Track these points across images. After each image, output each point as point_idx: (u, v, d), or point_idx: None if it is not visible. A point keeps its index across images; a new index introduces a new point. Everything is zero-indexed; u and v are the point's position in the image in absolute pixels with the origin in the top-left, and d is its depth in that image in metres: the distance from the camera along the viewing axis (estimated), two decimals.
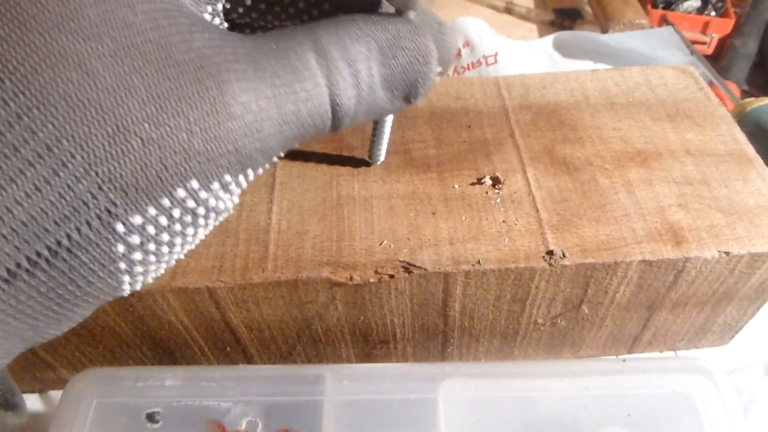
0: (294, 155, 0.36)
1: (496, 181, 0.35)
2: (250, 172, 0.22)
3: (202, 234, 0.22)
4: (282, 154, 0.25)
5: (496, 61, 0.66)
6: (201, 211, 0.21)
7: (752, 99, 0.54)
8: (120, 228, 0.18)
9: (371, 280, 0.31)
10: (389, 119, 0.33)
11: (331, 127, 0.24)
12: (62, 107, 0.17)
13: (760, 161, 0.36)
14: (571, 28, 0.77)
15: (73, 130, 0.17)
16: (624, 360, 0.34)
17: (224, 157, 0.20)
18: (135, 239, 0.19)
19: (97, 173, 0.17)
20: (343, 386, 0.33)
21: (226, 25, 0.26)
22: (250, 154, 0.21)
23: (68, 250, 0.18)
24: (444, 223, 0.33)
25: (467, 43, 0.68)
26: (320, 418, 0.32)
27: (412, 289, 0.32)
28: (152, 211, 0.19)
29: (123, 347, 0.36)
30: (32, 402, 0.40)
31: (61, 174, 0.17)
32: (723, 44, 0.73)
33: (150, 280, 0.21)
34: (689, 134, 0.38)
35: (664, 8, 0.75)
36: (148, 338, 0.35)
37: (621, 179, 0.35)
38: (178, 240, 0.21)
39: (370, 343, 0.37)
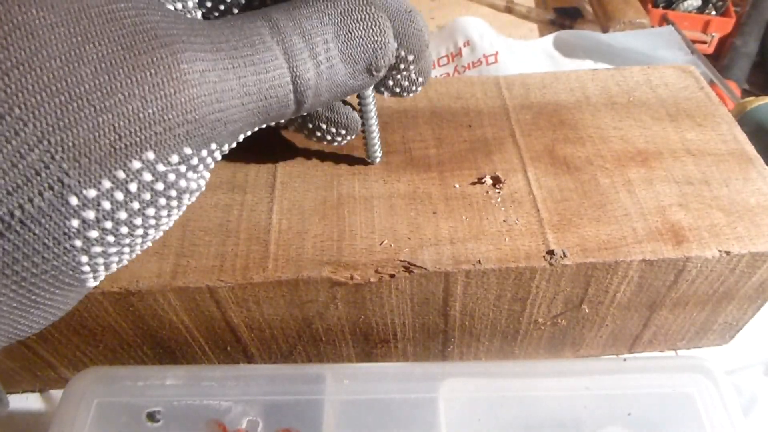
0: (294, 155, 0.37)
1: (496, 181, 0.35)
2: (214, 146, 0.22)
3: (165, 218, 0.21)
4: (249, 132, 0.24)
5: (496, 61, 0.66)
6: (160, 186, 0.20)
7: (753, 98, 0.54)
8: (74, 201, 0.18)
9: (372, 280, 0.31)
10: (373, 114, 0.33)
11: (295, 103, 0.24)
12: (14, 75, 0.17)
13: (761, 161, 0.36)
14: (571, 28, 0.77)
15: (25, 98, 0.17)
16: (624, 359, 0.34)
17: (182, 126, 0.20)
18: (90, 214, 0.19)
19: (49, 141, 0.17)
20: (344, 386, 0.33)
21: (192, 7, 0.26)
22: (210, 125, 0.21)
23: (21, 222, 0.18)
24: (444, 222, 0.33)
25: (468, 43, 0.68)
26: (321, 418, 0.32)
27: (412, 289, 0.32)
28: (107, 183, 0.19)
29: (124, 346, 0.36)
30: (32, 401, 0.40)
31: (13, 142, 0.17)
32: (723, 43, 0.73)
33: (114, 268, 0.21)
34: (690, 134, 0.38)
35: (664, 7, 0.75)
36: (148, 337, 0.35)
37: (621, 179, 0.35)
38: (138, 220, 0.20)
39: (370, 343, 0.37)
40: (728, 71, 0.70)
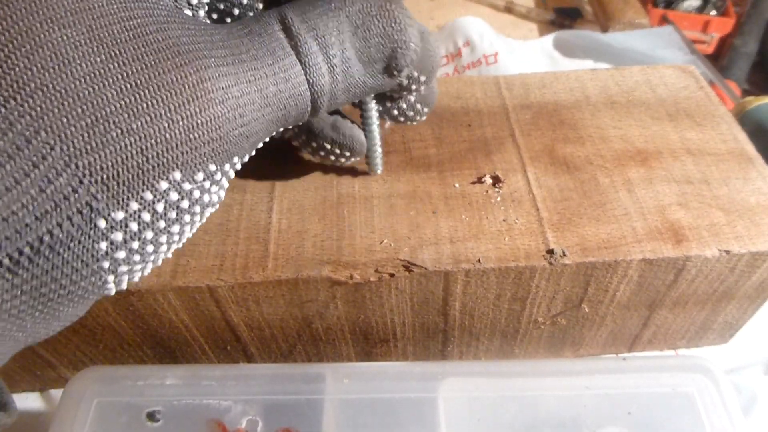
0: (294, 154, 0.36)
1: (496, 180, 0.35)
2: (236, 159, 0.22)
3: (188, 232, 0.21)
4: (267, 139, 0.24)
5: (496, 61, 0.66)
6: (185, 204, 0.20)
7: (752, 98, 0.54)
8: (102, 224, 0.18)
9: (371, 279, 0.31)
10: (376, 128, 0.32)
11: (311, 108, 0.24)
12: (39, 97, 0.16)
13: (761, 160, 0.36)
14: (571, 28, 0.77)
15: (51, 121, 0.16)
16: (624, 359, 0.34)
17: (208, 145, 0.19)
18: (118, 236, 0.18)
19: (77, 165, 0.17)
20: (344, 385, 0.33)
21: (203, 16, 0.25)
22: (234, 140, 0.20)
23: (50, 247, 0.17)
24: (444, 221, 0.33)
25: (467, 43, 0.68)
26: (320, 417, 0.32)
27: (412, 288, 0.32)
28: (135, 205, 0.18)
29: (123, 346, 0.36)
30: (33, 401, 0.40)
31: (41, 167, 0.16)
32: (723, 43, 0.73)
33: (136, 278, 0.21)
34: (689, 133, 0.38)
35: (664, 7, 0.75)
36: (148, 337, 0.35)
37: (621, 178, 0.35)
38: (164, 239, 0.20)
39: (370, 342, 0.37)
40: (728, 71, 0.70)
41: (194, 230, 0.22)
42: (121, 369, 0.34)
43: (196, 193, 0.20)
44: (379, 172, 0.35)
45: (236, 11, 0.25)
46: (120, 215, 0.18)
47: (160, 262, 0.22)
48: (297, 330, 0.35)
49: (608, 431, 0.32)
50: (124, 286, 0.21)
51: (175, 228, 0.20)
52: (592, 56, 0.69)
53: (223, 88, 0.20)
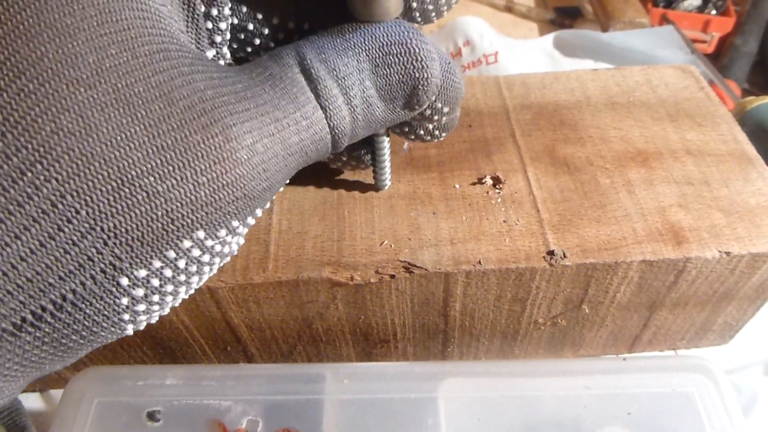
0: None
1: (496, 181, 0.35)
2: (258, 211, 0.22)
3: (206, 278, 0.21)
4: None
5: (496, 60, 0.66)
6: (206, 258, 0.20)
7: (753, 98, 0.54)
8: (125, 282, 0.18)
9: (372, 280, 0.31)
10: (386, 144, 0.32)
11: (331, 149, 0.23)
12: (65, 161, 0.16)
13: (761, 161, 0.36)
14: (571, 27, 0.77)
15: (77, 185, 0.16)
16: (624, 359, 0.34)
17: (232, 204, 0.19)
18: (139, 292, 0.19)
19: (102, 229, 0.17)
20: (344, 385, 0.33)
21: (228, 58, 0.25)
22: (258, 195, 0.20)
23: (73, 303, 0.17)
24: (445, 222, 0.33)
25: (467, 42, 0.68)
26: (321, 417, 0.32)
27: (412, 289, 0.32)
28: (157, 263, 0.18)
29: (124, 346, 0.36)
30: (33, 401, 0.41)
31: (66, 230, 0.16)
32: (724, 43, 0.73)
33: (154, 321, 0.21)
34: (690, 134, 0.38)
35: (664, 7, 0.75)
36: (148, 337, 0.35)
37: (622, 179, 0.35)
38: (182, 289, 0.20)
39: (370, 343, 0.37)
40: (728, 71, 0.70)
41: (212, 274, 0.22)
42: (121, 369, 0.34)
43: (218, 248, 0.20)
44: (386, 188, 0.35)
45: (257, 41, 0.25)
46: (143, 273, 0.18)
47: (178, 303, 0.22)
48: (297, 331, 0.35)
49: (608, 431, 0.32)
50: (142, 327, 0.21)
51: (194, 279, 0.20)
52: (593, 56, 0.69)
53: (248, 146, 0.19)
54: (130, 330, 0.20)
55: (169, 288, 0.19)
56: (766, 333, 0.43)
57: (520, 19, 0.79)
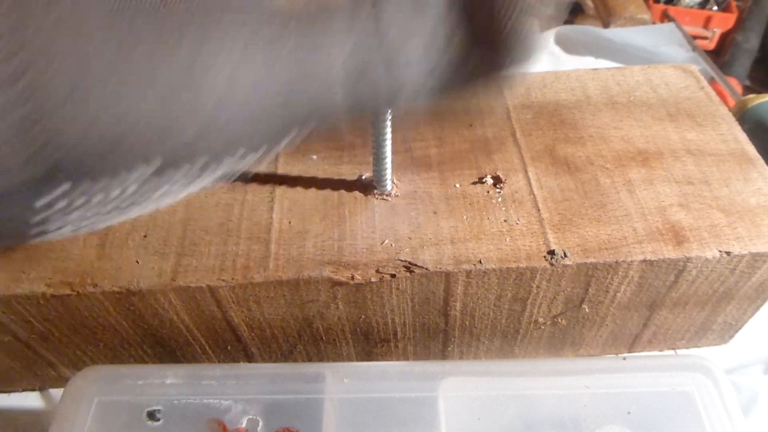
0: (295, 154, 0.36)
1: (497, 181, 0.35)
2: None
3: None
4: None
5: None
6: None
7: (753, 96, 0.53)
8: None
9: (372, 280, 0.31)
10: (387, 144, 0.31)
11: None
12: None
13: (761, 161, 0.36)
14: (572, 23, 0.77)
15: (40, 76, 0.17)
16: (624, 358, 0.35)
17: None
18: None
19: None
20: (344, 385, 0.33)
21: None
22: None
23: None
24: (445, 222, 0.33)
25: None
26: (321, 417, 0.32)
27: (413, 289, 0.32)
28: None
29: (124, 345, 0.36)
30: (33, 400, 0.41)
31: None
32: (725, 39, 0.73)
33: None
34: (690, 134, 0.38)
35: (666, 3, 0.75)
36: (149, 337, 0.35)
37: (622, 179, 0.35)
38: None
39: (371, 342, 0.37)
40: (729, 67, 0.70)
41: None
42: (121, 368, 0.34)
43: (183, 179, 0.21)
44: (388, 190, 0.34)
45: None
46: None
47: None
48: (298, 330, 0.35)
49: (608, 430, 0.32)
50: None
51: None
52: (593, 52, 0.69)
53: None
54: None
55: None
56: (766, 333, 0.43)
57: None
